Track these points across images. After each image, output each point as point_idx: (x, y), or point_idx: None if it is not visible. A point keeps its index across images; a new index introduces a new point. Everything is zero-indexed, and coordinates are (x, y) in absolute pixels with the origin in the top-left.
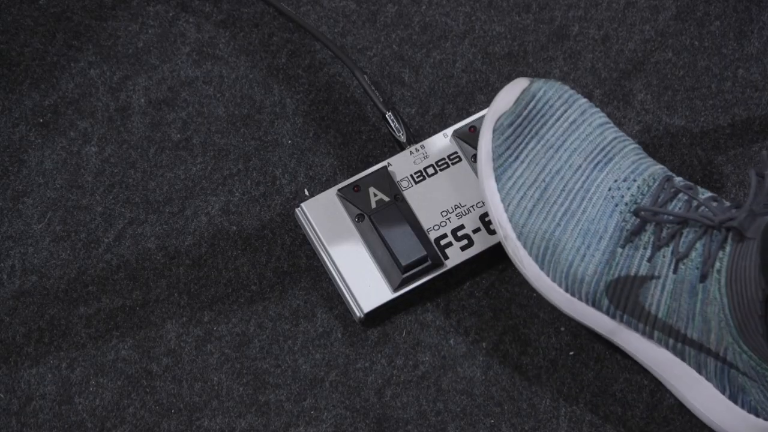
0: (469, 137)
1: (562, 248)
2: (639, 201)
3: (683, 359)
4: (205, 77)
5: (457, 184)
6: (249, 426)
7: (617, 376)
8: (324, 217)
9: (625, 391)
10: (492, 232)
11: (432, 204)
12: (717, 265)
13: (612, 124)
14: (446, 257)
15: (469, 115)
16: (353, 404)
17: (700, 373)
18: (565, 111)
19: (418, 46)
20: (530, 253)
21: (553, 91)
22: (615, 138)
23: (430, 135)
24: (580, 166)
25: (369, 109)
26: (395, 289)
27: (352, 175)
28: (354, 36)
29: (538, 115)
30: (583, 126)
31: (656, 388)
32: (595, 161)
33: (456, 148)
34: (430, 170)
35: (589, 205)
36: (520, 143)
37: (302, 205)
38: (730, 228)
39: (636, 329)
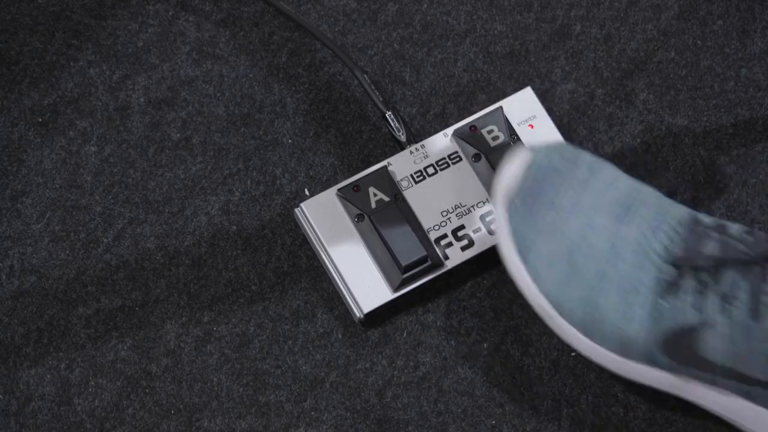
0: (469, 137)
1: (603, 312)
2: (670, 248)
3: (753, 401)
4: (205, 76)
5: (457, 184)
6: (249, 427)
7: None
8: (323, 217)
9: (627, 392)
10: (492, 232)
11: (432, 204)
12: (765, 299)
13: (622, 173)
14: (446, 257)
15: (470, 114)
16: (354, 405)
17: None
18: (573, 172)
19: (419, 45)
20: (572, 323)
21: (557, 155)
22: (630, 186)
23: (431, 134)
24: (602, 224)
25: (370, 108)
26: (395, 290)
27: (352, 175)
28: (354, 35)
29: (548, 184)
30: (595, 183)
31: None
32: (615, 215)
33: (456, 148)
34: (431, 170)
35: (620, 262)
36: (537, 218)
37: (302, 204)
38: None
39: (698, 379)
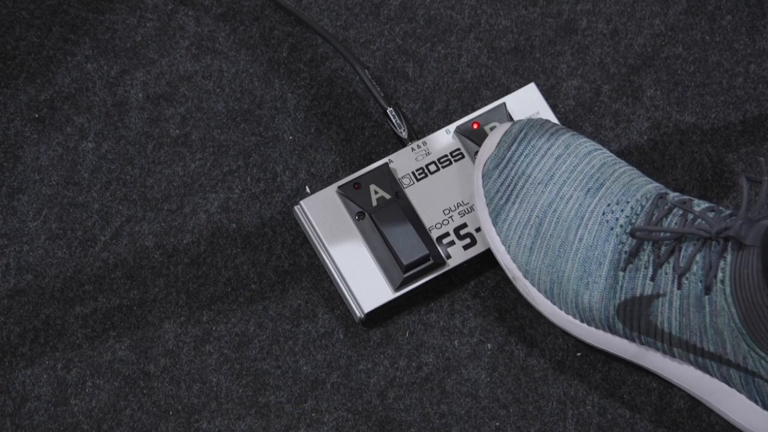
0: (472, 133)
1: (566, 279)
2: (633, 222)
3: (709, 373)
4: (205, 72)
5: (459, 182)
6: (248, 428)
7: (625, 378)
8: (324, 215)
9: (634, 394)
10: None
11: (434, 202)
12: (720, 275)
13: (601, 150)
14: (449, 256)
15: (473, 110)
16: (355, 406)
17: (729, 385)
18: (549, 147)
19: (423, 39)
20: (540, 290)
21: (534, 130)
22: (603, 164)
23: (433, 131)
24: (571, 196)
25: (372, 104)
26: (396, 289)
27: (354, 172)
28: (357, 29)
29: (522, 155)
30: (570, 158)
31: (665, 391)
32: (586, 188)
33: (459, 145)
34: (432, 167)
35: (584, 233)
36: (509, 184)
37: (301, 202)
38: (728, 237)
39: (657, 349)
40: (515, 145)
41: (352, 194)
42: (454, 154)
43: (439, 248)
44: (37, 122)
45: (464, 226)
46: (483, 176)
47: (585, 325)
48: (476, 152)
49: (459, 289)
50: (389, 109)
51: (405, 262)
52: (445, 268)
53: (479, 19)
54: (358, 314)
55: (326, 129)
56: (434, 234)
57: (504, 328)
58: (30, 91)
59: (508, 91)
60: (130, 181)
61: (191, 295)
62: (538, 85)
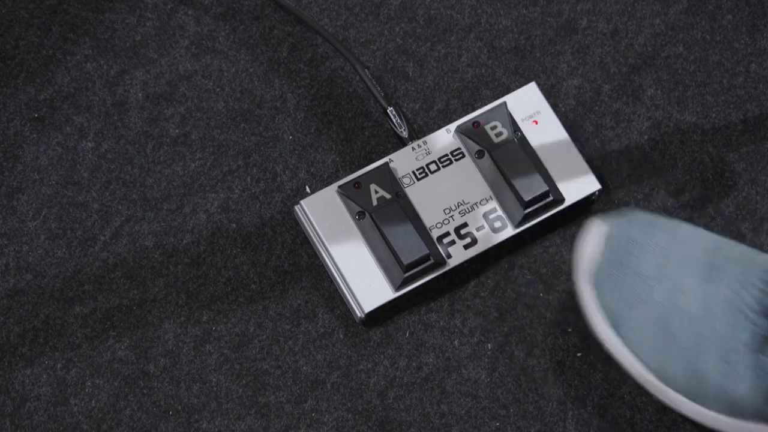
0: (472, 133)
1: (706, 374)
2: (763, 301)
3: None
4: (205, 71)
5: (460, 181)
6: (248, 428)
7: (626, 378)
8: (324, 214)
9: (634, 394)
10: (496, 230)
11: (434, 201)
12: None
13: (701, 230)
14: (449, 256)
15: (474, 110)
16: (355, 406)
17: None
18: (652, 238)
19: (423, 39)
20: (677, 389)
21: (631, 224)
22: (711, 243)
23: (433, 131)
24: (690, 287)
25: (372, 104)
26: (397, 289)
27: (354, 172)
28: (357, 29)
29: (628, 255)
30: (674, 246)
31: None
32: (702, 275)
33: (459, 144)
34: (433, 167)
35: (715, 322)
36: (624, 290)
37: (301, 202)
38: None
39: None
40: (620, 247)
41: (353, 194)
42: (454, 153)
43: (439, 248)
44: (37, 122)
45: (465, 225)
46: (596, 287)
47: (735, 420)
48: (477, 151)
49: (459, 289)
50: (389, 109)
51: (405, 262)
52: (446, 268)
53: (479, 18)
54: (359, 314)
55: (326, 129)
56: (434, 233)
57: (504, 328)
58: (29, 90)
59: (508, 90)
60: (129, 180)
61: (191, 295)
62: (538, 85)
